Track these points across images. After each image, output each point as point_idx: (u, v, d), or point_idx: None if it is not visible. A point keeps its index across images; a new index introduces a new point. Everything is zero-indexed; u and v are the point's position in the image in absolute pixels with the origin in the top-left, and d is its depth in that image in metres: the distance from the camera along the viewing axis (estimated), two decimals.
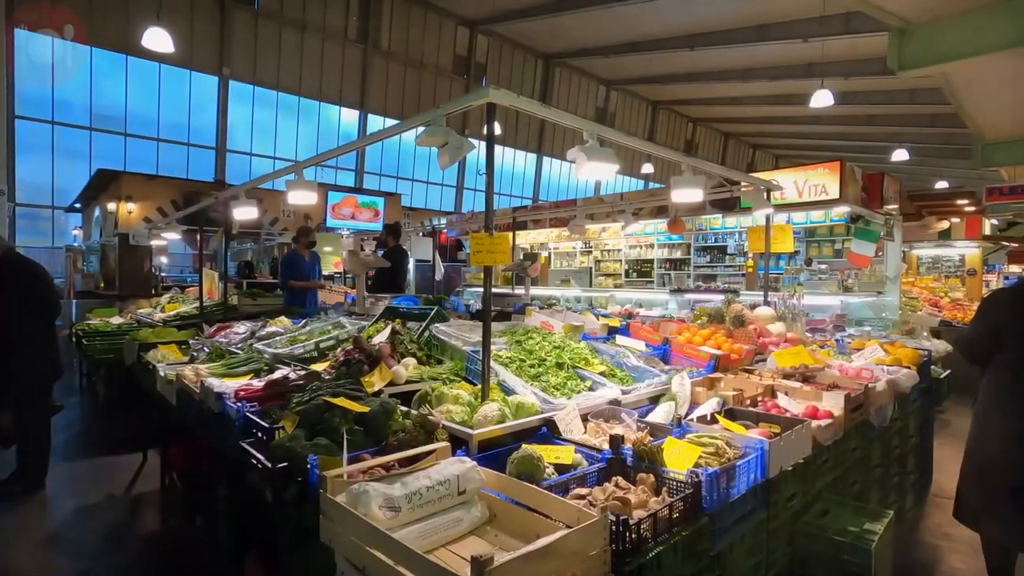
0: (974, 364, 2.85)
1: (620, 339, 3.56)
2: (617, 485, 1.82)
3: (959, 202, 10.64)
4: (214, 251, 10.76)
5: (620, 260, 11.31)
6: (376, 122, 19.27)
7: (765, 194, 4.33)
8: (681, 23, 16.53)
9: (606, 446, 2.02)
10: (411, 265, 9.12)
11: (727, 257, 10.52)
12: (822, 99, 12.62)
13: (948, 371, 5.14)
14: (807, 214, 7.42)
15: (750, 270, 8.38)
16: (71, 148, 14.29)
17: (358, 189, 15.55)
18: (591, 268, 11.54)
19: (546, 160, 24.11)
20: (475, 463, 1.67)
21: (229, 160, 16.46)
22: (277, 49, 16.47)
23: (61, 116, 14.01)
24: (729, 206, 6.15)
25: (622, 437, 1.97)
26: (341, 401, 2.10)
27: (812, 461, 2.41)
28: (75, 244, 12.49)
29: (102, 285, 10.39)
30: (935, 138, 21.20)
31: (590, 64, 21.98)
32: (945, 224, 10.71)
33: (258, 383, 2.67)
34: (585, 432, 2.29)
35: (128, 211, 9.46)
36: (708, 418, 2.42)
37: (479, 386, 2.41)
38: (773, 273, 8.92)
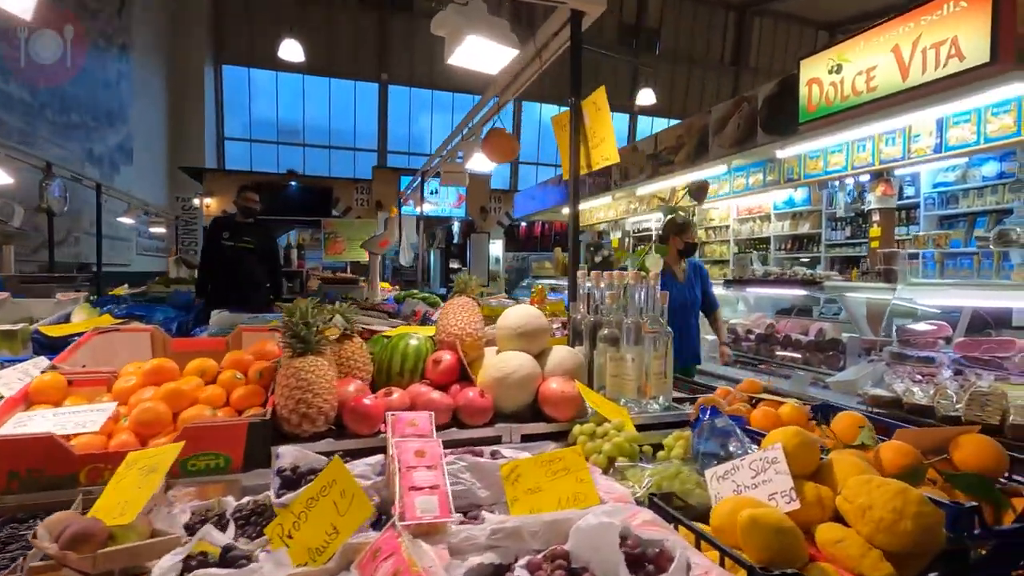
0: None
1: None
2: None
3: None
4: None
5: (728, 240, 7.76)
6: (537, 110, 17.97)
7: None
8: None
9: None
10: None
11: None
12: None
13: None
14: (978, 120, 3.64)
15: (875, 244, 4.50)
16: (265, 160, 16.63)
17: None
18: None
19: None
20: None
21: (391, 160, 17.28)
22: None
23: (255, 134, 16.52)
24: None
25: None
26: None
27: None
28: None
29: None
30: None
31: (802, 5, 17.08)
32: None
33: None
34: None
35: (206, 205, 10.01)
36: None
37: None
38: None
